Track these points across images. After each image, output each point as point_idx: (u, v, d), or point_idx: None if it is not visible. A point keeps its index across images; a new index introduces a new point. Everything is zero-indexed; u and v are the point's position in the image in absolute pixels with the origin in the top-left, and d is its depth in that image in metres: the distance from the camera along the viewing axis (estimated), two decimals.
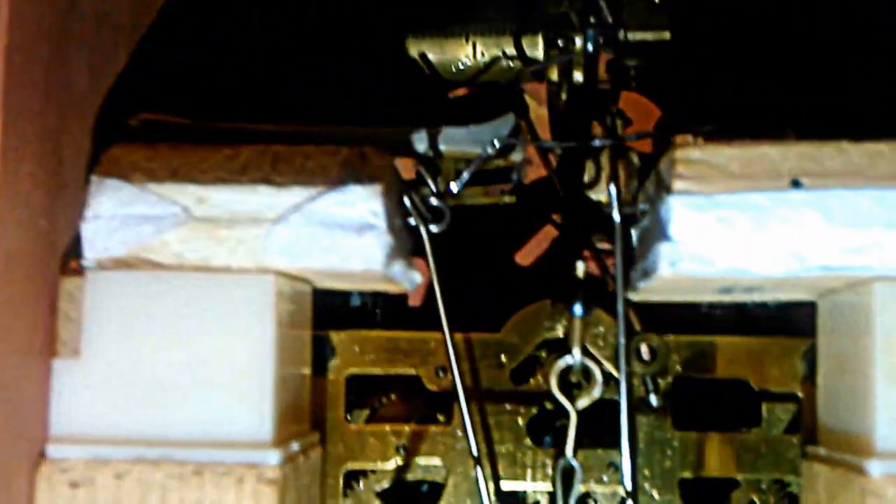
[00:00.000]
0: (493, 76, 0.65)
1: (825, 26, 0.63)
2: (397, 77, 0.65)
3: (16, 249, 0.49)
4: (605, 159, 0.62)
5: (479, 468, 0.58)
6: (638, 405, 0.62)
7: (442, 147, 0.64)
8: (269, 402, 0.52)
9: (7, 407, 0.49)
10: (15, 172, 0.49)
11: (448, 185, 0.60)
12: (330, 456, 0.63)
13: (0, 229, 0.48)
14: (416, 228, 0.57)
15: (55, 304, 0.53)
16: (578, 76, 0.63)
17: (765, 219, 0.49)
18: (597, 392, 0.59)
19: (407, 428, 0.63)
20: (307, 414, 0.60)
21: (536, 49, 0.64)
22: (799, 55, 0.62)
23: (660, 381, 0.62)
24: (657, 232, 0.50)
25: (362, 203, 0.51)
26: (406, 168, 0.64)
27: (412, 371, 0.63)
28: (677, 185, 0.49)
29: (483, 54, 0.64)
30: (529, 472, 0.63)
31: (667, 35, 0.61)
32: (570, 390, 0.61)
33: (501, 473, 0.63)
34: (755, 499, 0.62)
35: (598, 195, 0.63)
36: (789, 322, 0.62)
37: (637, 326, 0.61)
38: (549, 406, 0.63)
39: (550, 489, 0.62)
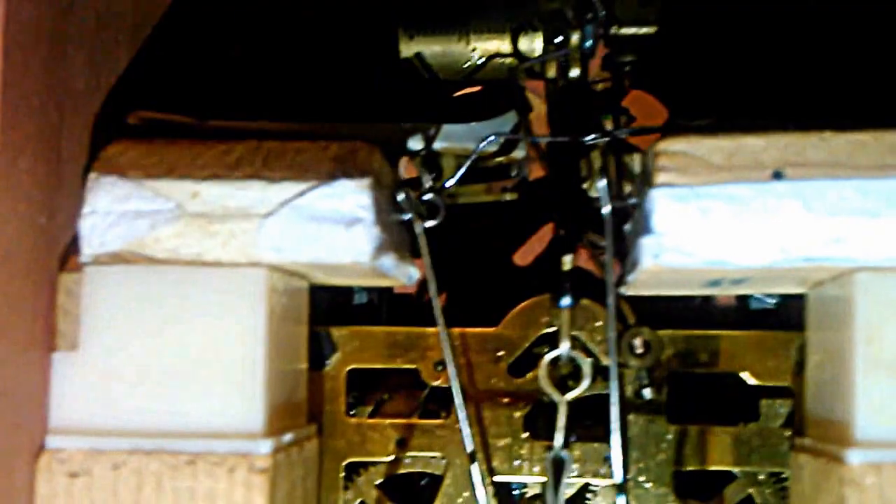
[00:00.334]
0: (488, 73, 0.65)
1: (821, 15, 0.63)
2: (399, 74, 0.66)
3: (15, 245, 0.50)
4: (598, 155, 0.62)
5: (474, 462, 0.59)
6: (632, 398, 0.62)
7: (444, 144, 0.65)
8: (261, 393, 0.52)
9: (7, 399, 0.50)
10: (14, 169, 0.50)
11: (445, 181, 0.61)
12: (330, 449, 0.63)
13: (0, 225, 0.49)
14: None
15: (54, 298, 0.53)
16: (574, 73, 0.63)
17: (747, 210, 0.49)
18: (585, 384, 0.60)
19: (407, 422, 0.64)
20: (304, 407, 0.61)
21: (533, 45, 0.64)
22: (790, 45, 0.62)
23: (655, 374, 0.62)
24: (641, 225, 0.51)
25: (351, 197, 0.52)
26: (410, 166, 0.65)
27: (412, 366, 0.64)
28: (659, 177, 0.50)
29: (475, 50, 0.65)
30: (527, 465, 0.63)
31: (653, 29, 0.62)
32: (564, 383, 0.62)
33: (499, 466, 0.63)
34: (752, 492, 0.63)
35: (594, 191, 0.64)
36: (788, 316, 0.62)
37: (631, 320, 0.61)
38: (546, 399, 0.63)
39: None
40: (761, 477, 0.62)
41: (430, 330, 0.63)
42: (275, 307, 0.54)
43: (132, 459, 0.52)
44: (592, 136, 0.58)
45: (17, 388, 0.51)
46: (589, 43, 0.62)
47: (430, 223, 0.59)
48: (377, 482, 0.64)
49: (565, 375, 0.62)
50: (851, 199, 0.48)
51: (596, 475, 0.63)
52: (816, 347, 0.56)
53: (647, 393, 0.62)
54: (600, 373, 0.62)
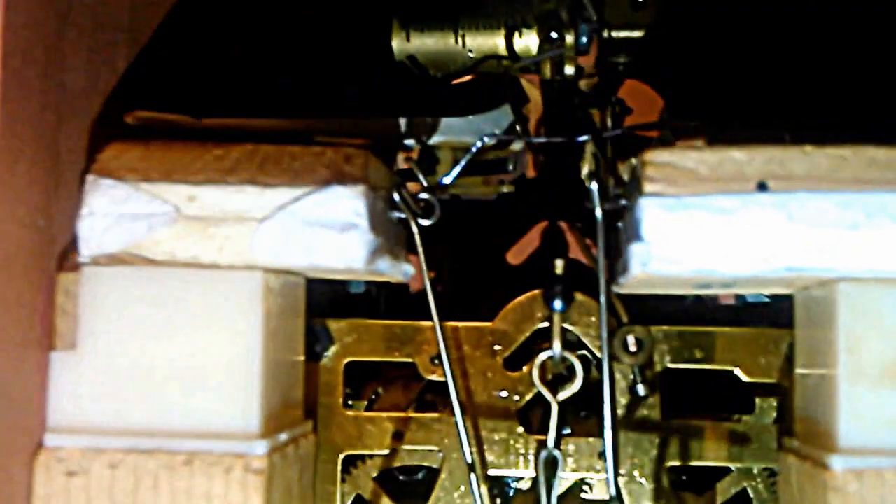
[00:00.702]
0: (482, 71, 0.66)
1: (820, 19, 0.63)
2: (396, 70, 0.66)
3: (14, 246, 0.51)
4: (593, 153, 0.62)
5: (473, 472, 0.59)
6: (625, 395, 0.63)
7: (441, 137, 0.65)
8: (257, 394, 0.53)
9: (6, 398, 0.50)
10: (13, 171, 0.50)
11: (440, 177, 0.61)
12: (327, 442, 0.64)
13: None
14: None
15: (52, 298, 0.54)
16: (569, 71, 0.63)
17: (733, 220, 0.50)
18: (577, 384, 0.61)
19: (404, 415, 0.65)
20: (300, 403, 0.61)
21: (528, 44, 0.64)
22: (785, 47, 0.62)
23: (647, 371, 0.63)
24: (631, 231, 0.51)
25: (345, 203, 0.52)
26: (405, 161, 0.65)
27: (408, 359, 0.65)
28: (648, 187, 0.50)
29: (471, 50, 0.65)
30: (522, 459, 0.64)
31: (643, 32, 0.62)
32: (558, 381, 0.62)
33: (495, 461, 0.64)
34: (747, 486, 0.63)
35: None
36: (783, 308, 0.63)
37: (624, 318, 0.62)
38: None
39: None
40: (755, 472, 0.63)
41: (427, 324, 0.63)
42: (271, 308, 0.54)
43: (129, 459, 0.52)
44: (585, 136, 0.59)
45: (16, 387, 0.51)
46: (584, 41, 0.62)
47: (425, 222, 0.59)
48: (374, 475, 0.65)
49: (559, 374, 0.63)
50: (832, 211, 0.49)
51: (590, 469, 0.64)
52: (803, 349, 0.57)
53: (641, 389, 0.62)
54: (595, 366, 0.63)
